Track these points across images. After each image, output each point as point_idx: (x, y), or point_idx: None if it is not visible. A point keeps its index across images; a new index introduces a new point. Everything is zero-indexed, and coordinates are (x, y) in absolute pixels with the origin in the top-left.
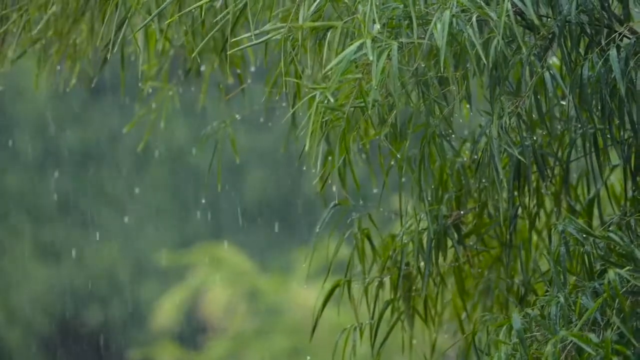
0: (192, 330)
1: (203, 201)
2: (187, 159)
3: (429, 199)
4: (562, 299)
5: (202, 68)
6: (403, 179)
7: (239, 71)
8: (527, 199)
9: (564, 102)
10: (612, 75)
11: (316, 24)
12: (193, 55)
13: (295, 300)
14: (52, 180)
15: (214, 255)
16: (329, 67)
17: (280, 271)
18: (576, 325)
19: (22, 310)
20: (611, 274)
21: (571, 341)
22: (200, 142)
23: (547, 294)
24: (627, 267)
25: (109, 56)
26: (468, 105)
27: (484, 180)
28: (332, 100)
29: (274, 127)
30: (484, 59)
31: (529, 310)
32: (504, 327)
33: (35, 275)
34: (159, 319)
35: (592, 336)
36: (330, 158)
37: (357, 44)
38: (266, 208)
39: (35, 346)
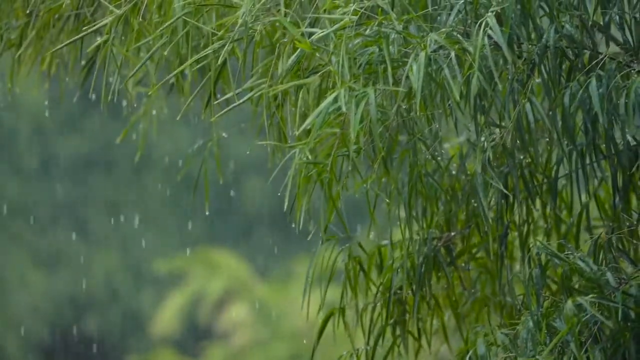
0: (191, 337)
1: (202, 208)
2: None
3: (420, 222)
4: (531, 323)
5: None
6: (392, 197)
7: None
8: (516, 217)
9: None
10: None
11: (291, 84)
12: (185, 106)
13: (294, 307)
14: (51, 187)
15: (212, 262)
16: (306, 122)
17: (280, 278)
18: (550, 347)
19: (20, 318)
20: (569, 305)
21: None
22: (187, 160)
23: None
24: (592, 295)
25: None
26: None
27: (473, 201)
28: (309, 156)
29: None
30: (456, 99)
31: (501, 334)
32: (471, 352)
33: (33, 283)
34: (157, 326)
35: None
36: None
37: (333, 96)
38: (266, 215)
39: (34, 354)
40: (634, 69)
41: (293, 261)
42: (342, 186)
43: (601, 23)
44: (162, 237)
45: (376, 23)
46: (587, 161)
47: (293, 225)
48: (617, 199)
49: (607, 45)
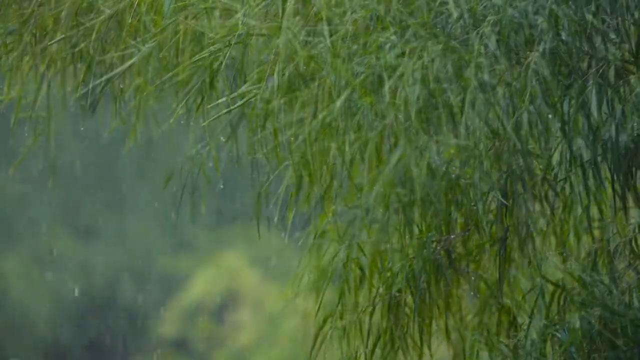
0: (194, 339)
1: (205, 209)
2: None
3: (419, 227)
4: (535, 336)
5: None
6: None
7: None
8: (515, 220)
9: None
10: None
11: (286, 95)
12: (178, 110)
13: (296, 308)
14: (52, 188)
15: (215, 264)
16: (300, 137)
17: (283, 280)
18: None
19: (21, 318)
20: (574, 319)
21: None
22: (186, 164)
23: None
24: (596, 308)
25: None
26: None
27: (472, 204)
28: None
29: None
30: (453, 111)
31: (503, 347)
32: None
33: (34, 283)
34: (161, 327)
35: None
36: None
37: (328, 108)
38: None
39: (35, 355)
40: (633, 74)
41: (296, 262)
42: (336, 195)
43: (600, 28)
44: (164, 239)
45: (374, 32)
46: (586, 165)
47: (283, 234)
48: (617, 203)
49: (606, 50)
